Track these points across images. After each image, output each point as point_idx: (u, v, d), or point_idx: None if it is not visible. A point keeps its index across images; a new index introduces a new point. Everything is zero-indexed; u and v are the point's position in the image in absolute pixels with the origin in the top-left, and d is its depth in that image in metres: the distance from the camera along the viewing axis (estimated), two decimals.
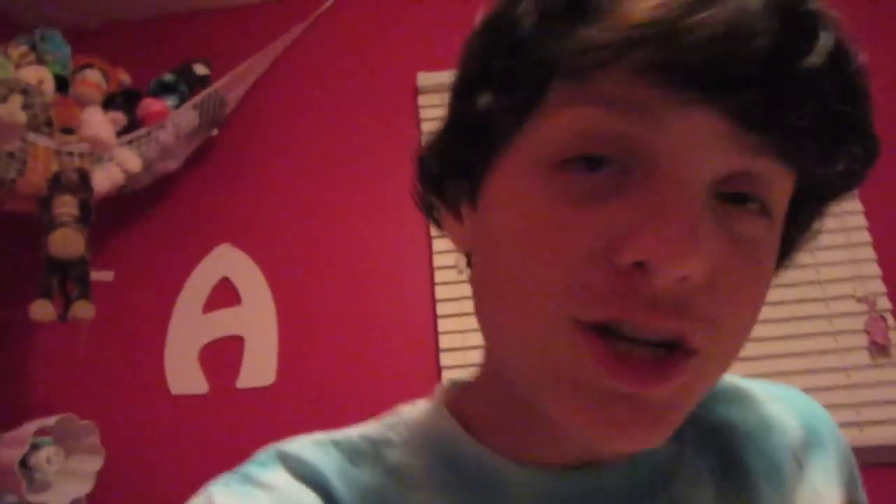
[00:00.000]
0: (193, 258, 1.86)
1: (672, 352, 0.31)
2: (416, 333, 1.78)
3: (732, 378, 0.49)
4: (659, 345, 0.31)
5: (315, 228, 1.88)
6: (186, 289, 1.83)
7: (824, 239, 1.46)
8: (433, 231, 1.84)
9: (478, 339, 1.63)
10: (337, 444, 0.42)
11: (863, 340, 1.71)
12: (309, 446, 0.41)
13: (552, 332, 0.32)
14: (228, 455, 1.71)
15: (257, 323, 1.80)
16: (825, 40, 0.29)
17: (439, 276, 1.80)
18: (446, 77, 1.90)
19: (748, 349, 1.60)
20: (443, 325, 1.76)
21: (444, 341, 1.75)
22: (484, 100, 0.34)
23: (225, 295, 1.83)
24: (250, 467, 0.40)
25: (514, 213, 0.33)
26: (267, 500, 0.37)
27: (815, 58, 0.29)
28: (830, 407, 1.63)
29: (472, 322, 1.72)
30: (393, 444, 0.42)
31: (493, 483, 0.39)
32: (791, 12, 0.29)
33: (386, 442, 0.42)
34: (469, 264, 0.43)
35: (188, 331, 1.80)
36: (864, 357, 1.70)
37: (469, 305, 1.74)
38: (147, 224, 1.90)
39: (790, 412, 0.48)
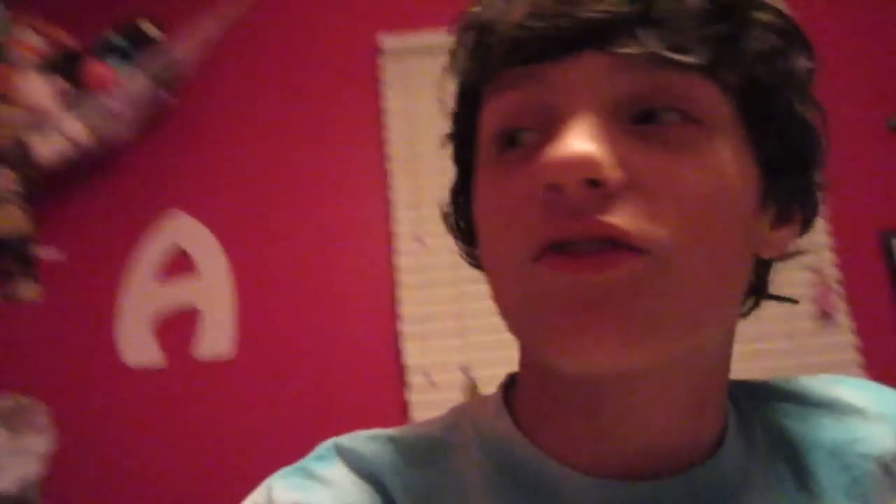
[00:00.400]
0: (145, 226, 1.80)
1: (615, 248, 0.33)
2: (376, 304, 1.77)
3: (829, 386, 0.48)
4: (602, 246, 0.33)
5: (272, 196, 1.84)
6: (138, 258, 1.79)
7: None
8: (393, 197, 1.81)
9: (439, 308, 1.59)
10: (395, 442, 0.42)
11: (810, 308, 1.76)
12: (367, 442, 0.42)
13: (521, 282, 0.35)
14: (188, 428, 1.70)
15: (214, 293, 1.77)
16: None
17: (400, 246, 1.79)
18: (409, 39, 1.89)
19: None
20: (404, 294, 1.76)
21: (405, 312, 1.75)
22: (463, 112, 0.42)
23: (179, 264, 1.79)
24: (310, 462, 0.41)
25: (480, 205, 0.39)
26: (325, 495, 0.38)
27: None
28: (777, 370, 1.63)
29: (434, 293, 1.70)
30: (451, 448, 0.42)
31: (550, 491, 0.39)
32: None
33: (445, 445, 0.42)
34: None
35: (141, 301, 1.76)
36: (810, 324, 1.75)
37: (431, 275, 1.76)
38: (97, 191, 1.84)
39: (887, 422, 0.45)
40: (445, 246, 1.89)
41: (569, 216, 0.33)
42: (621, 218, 0.32)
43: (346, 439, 0.43)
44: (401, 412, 1.70)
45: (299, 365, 1.74)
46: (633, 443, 0.38)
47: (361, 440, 0.42)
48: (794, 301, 0.46)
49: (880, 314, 1.79)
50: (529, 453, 0.40)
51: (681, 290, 0.34)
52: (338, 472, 0.40)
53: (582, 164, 0.32)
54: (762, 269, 0.43)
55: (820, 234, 1.79)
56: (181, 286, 1.78)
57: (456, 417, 0.45)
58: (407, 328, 1.74)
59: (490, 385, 1.50)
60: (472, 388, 1.67)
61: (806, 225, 0.42)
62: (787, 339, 1.74)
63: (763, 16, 0.36)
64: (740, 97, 0.36)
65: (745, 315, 0.44)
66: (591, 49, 0.34)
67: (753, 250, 0.39)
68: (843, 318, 1.78)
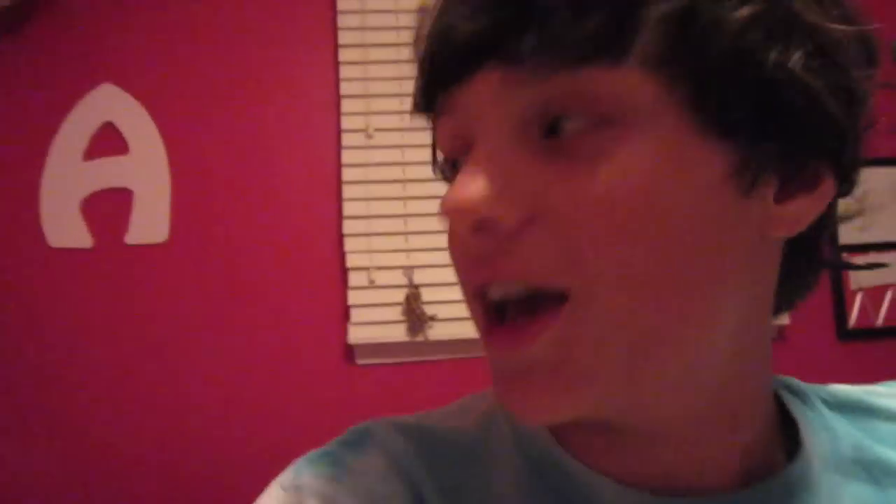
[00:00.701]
0: (71, 99, 1.66)
1: (538, 305, 0.31)
2: (319, 192, 1.71)
3: None
4: (526, 300, 0.31)
5: (214, 77, 1.72)
6: (62, 133, 1.65)
7: None
8: (343, 91, 1.72)
9: (383, 208, 1.52)
10: (429, 437, 0.41)
11: None
12: (400, 434, 0.41)
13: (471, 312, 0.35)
14: (115, 314, 1.65)
15: (147, 174, 1.67)
16: None
17: (346, 140, 1.71)
18: None
19: None
20: (347, 191, 1.70)
21: (347, 208, 1.69)
22: None
23: (109, 142, 1.67)
24: (340, 447, 0.40)
25: None
26: (354, 486, 0.37)
27: None
28: None
29: (377, 188, 1.64)
30: (486, 446, 0.40)
31: (585, 500, 0.37)
32: None
33: (480, 443, 0.41)
34: None
35: (67, 179, 1.65)
36: None
37: (374, 171, 1.70)
38: (14, 58, 1.67)
39: None
40: (393, 142, 1.79)
41: (479, 263, 0.32)
42: (525, 262, 0.31)
43: (378, 427, 0.41)
44: (341, 313, 1.68)
45: (237, 256, 1.68)
46: (662, 456, 0.36)
47: (394, 431, 0.41)
48: (881, 265, 0.41)
49: None
50: (562, 457, 0.38)
51: (616, 330, 0.31)
52: (368, 464, 0.39)
53: (465, 211, 0.30)
54: (804, 241, 0.36)
55: None
56: (112, 165, 1.67)
57: (492, 410, 0.43)
58: (350, 227, 1.69)
59: (433, 291, 1.47)
60: (414, 294, 1.66)
61: (845, 183, 0.35)
62: None
63: None
64: (672, 70, 0.30)
65: (791, 305, 0.39)
66: (483, 67, 0.32)
67: (754, 234, 0.33)
68: None
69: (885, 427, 0.42)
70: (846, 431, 0.41)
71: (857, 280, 1.87)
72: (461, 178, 0.31)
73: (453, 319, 1.67)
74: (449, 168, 0.37)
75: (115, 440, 1.60)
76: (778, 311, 0.39)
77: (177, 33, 1.72)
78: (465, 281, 0.34)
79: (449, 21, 0.32)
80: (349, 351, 1.69)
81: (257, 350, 1.66)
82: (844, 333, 1.86)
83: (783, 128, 0.31)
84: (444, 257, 1.68)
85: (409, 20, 1.74)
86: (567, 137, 0.31)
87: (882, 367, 1.80)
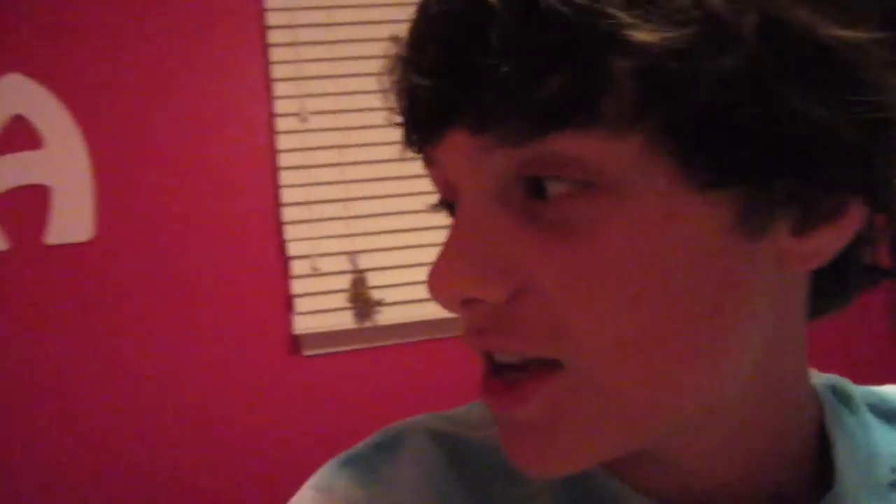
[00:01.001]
0: None
1: (535, 371, 0.30)
2: (254, 180, 1.65)
3: None
4: (524, 365, 0.31)
5: (137, 64, 1.62)
6: None
7: None
8: (274, 74, 1.65)
9: (323, 193, 1.47)
10: (462, 446, 0.40)
11: None
12: (434, 443, 0.40)
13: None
14: (39, 318, 1.55)
15: (65, 169, 1.57)
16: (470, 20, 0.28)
17: (280, 124, 1.65)
18: None
19: (413, 221, 1.60)
20: (284, 177, 1.64)
21: (285, 195, 1.64)
22: None
23: (20, 136, 1.56)
24: (372, 451, 0.40)
25: None
26: (387, 495, 0.37)
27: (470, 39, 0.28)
28: None
29: (317, 173, 1.59)
30: None
31: None
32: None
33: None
34: None
35: None
36: None
37: (312, 156, 1.64)
38: None
39: None
40: (329, 125, 1.73)
41: (474, 333, 0.32)
42: (515, 337, 0.30)
43: (411, 433, 0.40)
44: (284, 304, 1.63)
45: (169, 252, 1.60)
46: (693, 483, 0.35)
47: (429, 440, 0.40)
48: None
49: None
50: (600, 476, 0.37)
51: (610, 397, 0.30)
52: (401, 472, 0.38)
53: (450, 293, 0.30)
54: (832, 266, 0.32)
55: None
56: (25, 161, 1.56)
57: None
58: (289, 214, 1.63)
59: (379, 275, 1.42)
60: (359, 279, 1.62)
61: (878, 207, 0.31)
62: None
63: (637, 34, 0.26)
64: (648, 129, 0.27)
65: (824, 313, 0.37)
66: (450, 130, 0.30)
67: (770, 273, 0.30)
68: None
69: None
70: (891, 447, 0.38)
71: None
72: (443, 256, 0.30)
73: (402, 303, 1.65)
74: (448, 209, 0.36)
75: (44, 448, 1.51)
76: (814, 317, 0.36)
77: (91, 17, 1.61)
78: (464, 337, 0.33)
79: (411, 77, 0.30)
80: (295, 342, 1.64)
81: (198, 348, 1.59)
82: None
83: (789, 169, 0.28)
84: (390, 240, 1.64)
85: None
86: (550, 202, 0.29)
87: None
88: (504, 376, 0.31)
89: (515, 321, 0.30)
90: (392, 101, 0.34)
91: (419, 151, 0.34)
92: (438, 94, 0.29)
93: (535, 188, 0.29)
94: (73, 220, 1.57)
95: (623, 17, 0.25)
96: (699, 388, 0.31)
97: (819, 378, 0.40)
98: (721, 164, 0.27)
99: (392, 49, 0.34)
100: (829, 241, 0.30)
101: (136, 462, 1.55)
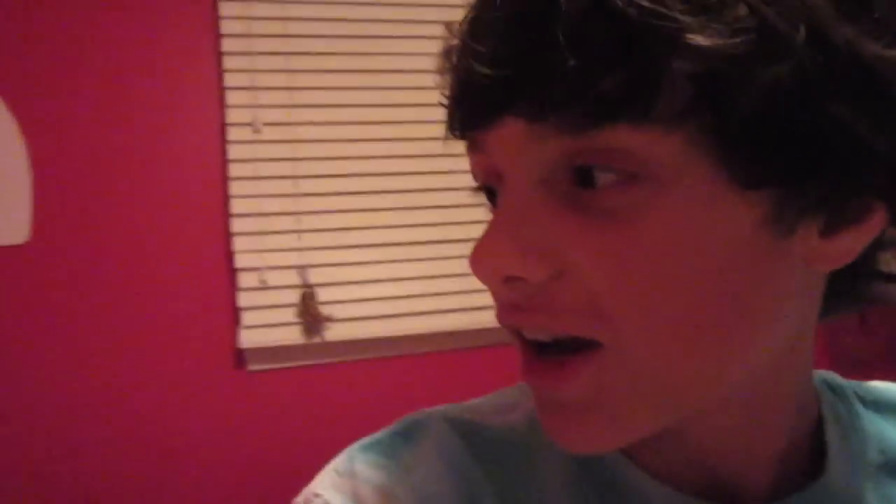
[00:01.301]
0: None
1: (576, 350, 0.32)
2: (203, 189, 1.61)
3: None
4: (560, 344, 0.32)
5: (81, 57, 1.57)
6: None
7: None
8: (227, 83, 1.62)
9: (274, 205, 1.44)
10: (481, 431, 0.41)
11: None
12: (452, 429, 0.41)
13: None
14: None
15: (2, 171, 1.50)
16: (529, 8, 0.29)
17: (232, 134, 1.62)
18: None
19: (366, 236, 1.56)
20: (235, 188, 1.61)
21: (235, 206, 1.60)
22: None
23: None
24: (393, 437, 0.41)
25: None
26: (408, 479, 0.38)
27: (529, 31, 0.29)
28: (448, 295, 1.63)
29: (267, 184, 1.55)
30: (537, 446, 0.40)
31: (635, 501, 0.38)
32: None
33: (529, 440, 0.40)
34: None
35: None
36: None
37: (263, 167, 1.61)
38: None
39: None
40: (282, 136, 1.71)
41: (513, 311, 0.33)
42: (553, 316, 0.31)
43: (430, 420, 0.41)
44: (230, 317, 1.59)
45: (111, 258, 1.55)
46: (708, 463, 0.37)
47: (447, 426, 0.41)
48: None
49: None
50: (617, 460, 0.38)
51: (648, 378, 0.32)
52: (421, 458, 0.39)
53: (493, 269, 0.31)
54: (850, 266, 0.34)
55: None
56: None
57: None
58: (238, 225, 1.60)
59: (330, 290, 1.38)
60: (309, 294, 1.60)
61: None
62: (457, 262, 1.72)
63: (698, 38, 0.27)
64: (697, 128, 0.29)
65: (834, 314, 0.39)
66: (505, 116, 0.31)
67: (797, 269, 0.32)
68: None
69: None
70: (878, 433, 0.41)
71: None
72: (488, 234, 0.31)
73: (352, 319, 1.63)
74: (487, 194, 0.37)
75: None
76: (823, 317, 0.38)
77: (37, 19, 1.55)
78: (501, 316, 0.34)
79: (471, 62, 0.31)
80: (240, 356, 1.60)
81: (139, 360, 1.54)
82: None
83: (824, 173, 0.30)
84: (341, 255, 1.61)
85: (296, 10, 1.68)
86: (596, 190, 0.30)
87: None
88: (543, 357, 0.32)
89: (554, 301, 0.31)
90: (444, 85, 0.36)
91: (462, 137, 0.35)
92: (500, 80, 0.30)
93: (583, 177, 0.30)
94: (7, 222, 1.51)
95: (685, 21, 0.27)
96: (726, 373, 0.33)
97: (814, 372, 0.42)
98: (761, 165, 0.29)
99: (447, 35, 0.35)
100: (853, 243, 0.32)
101: (67, 480, 1.48)
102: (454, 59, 0.34)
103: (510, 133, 0.31)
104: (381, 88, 1.71)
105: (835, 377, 0.45)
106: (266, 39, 1.66)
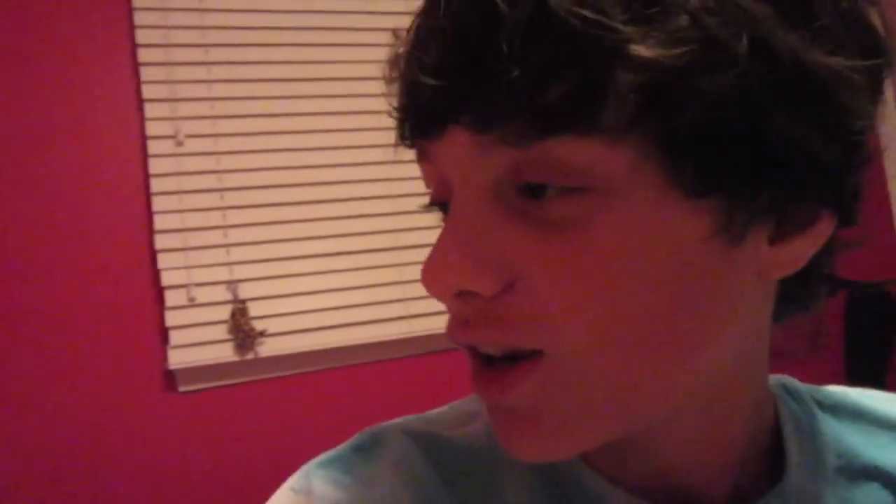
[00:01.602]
0: None
1: (518, 360, 0.32)
2: (124, 205, 1.54)
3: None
4: (509, 356, 0.32)
5: None
6: None
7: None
8: (146, 94, 1.57)
9: (200, 219, 1.39)
10: (440, 442, 0.41)
11: (416, 239, 1.72)
12: (411, 441, 0.40)
13: None
14: None
15: None
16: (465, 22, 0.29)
17: (153, 147, 1.57)
18: None
19: (296, 248, 1.54)
20: (158, 203, 1.55)
21: (159, 222, 1.55)
22: None
23: None
24: (350, 452, 0.40)
25: None
26: (365, 494, 0.37)
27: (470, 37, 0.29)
28: (385, 304, 1.63)
29: (192, 198, 1.50)
30: (497, 454, 0.39)
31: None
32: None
33: (489, 448, 0.40)
34: None
35: None
36: (416, 255, 1.69)
37: (188, 181, 1.56)
38: None
39: None
40: (206, 148, 1.66)
41: (461, 326, 0.33)
42: (503, 329, 0.31)
43: (388, 433, 0.41)
44: (158, 336, 1.53)
45: (30, 282, 1.46)
46: (667, 471, 0.37)
47: (405, 439, 0.41)
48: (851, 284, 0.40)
49: None
50: (577, 467, 0.38)
51: (596, 386, 0.31)
52: (380, 472, 0.38)
53: (444, 283, 0.31)
54: (800, 272, 0.34)
55: None
56: None
57: None
58: (163, 241, 1.55)
59: (262, 305, 1.36)
60: (240, 309, 1.55)
61: (845, 219, 0.33)
62: (395, 270, 1.71)
63: (640, 49, 0.27)
64: (643, 139, 0.29)
65: (787, 317, 0.39)
66: (451, 128, 0.31)
67: (748, 277, 0.33)
68: None
69: (878, 432, 0.43)
70: (835, 436, 0.42)
71: None
72: (438, 248, 0.31)
73: (285, 333, 1.59)
74: (439, 208, 0.36)
75: None
76: (777, 321, 0.39)
77: None
78: (450, 330, 0.34)
79: (415, 74, 0.31)
80: (170, 377, 1.54)
81: (62, 385, 1.46)
82: None
83: (770, 181, 0.30)
84: (272, 268, 1.57)
85: (215, 19, 1.64)
86: (545, 202, 0.30)
87: None
88: (492, 367, 0.32)
89: (502, 314, 0.31)
90: (392, 93, 0.35)
91: (412, 146, 0.34)
92: (443, 91, 0.30)
93: (531, 188, 0.30)
94: None
95: (628, 32, 0.27)
96: (676, 382, 0.33)
97: (771, 377, 0.42)
98: (707, 175, 0.29)
99: (394, 43, 0.35)
100: (802, 249, 0.33)
101: None
102: (400, 67, 0.33)
103: (456, 144, 0.31)
104: (310, 97, 1.69)
105: (792, 381, 0.45)
106: (185, 49, 1.61)
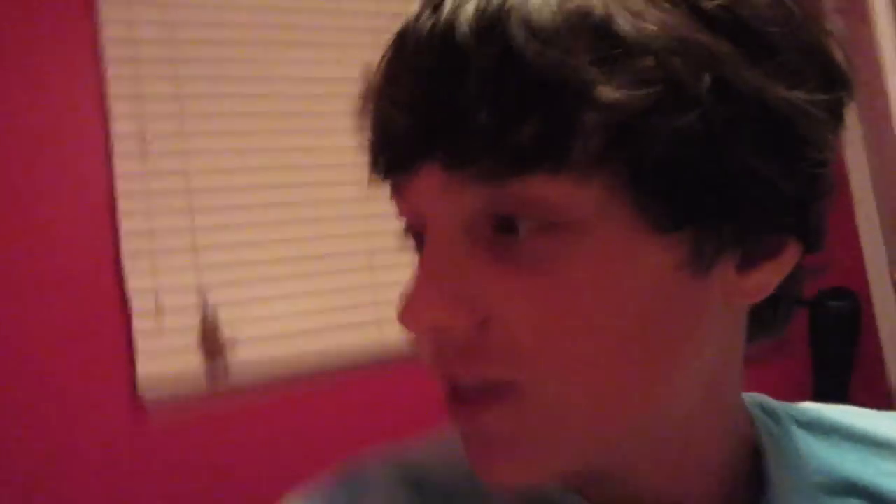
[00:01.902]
0: None
1: (492, 389, 0.32)
2: (87, 207, 1.48)
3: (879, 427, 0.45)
4: (484, 387, 0.32)
5: None
6: None
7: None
8: (111, 89, 1.51)
9: (167, 222, 1.33)
10: (423, 473, 0.40)
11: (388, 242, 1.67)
12: (395, 473, 0.40)
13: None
14: None
15: None
16: (438, 62, 0.30)
17: (119, 147, 1.50)
18: None
19: (267, 251, 1.47)
20: (125, 206, 1.49)
21: (127, 227, 1.49)
22: None
23: None
24: (336, 487, 0.40)
25: None
26: None
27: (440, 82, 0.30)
28: (353, 308, 1.59)
29: (159, 201, 1.42)
30: (484, 492, 0.38)
31: None
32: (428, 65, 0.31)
33: (471, 477, 0.38)
34: None
35: None
36: (388, 258, 1.64)
37: (155, 182, 1.51)
38: None
39: None
40: (173, 148, 1.60)
41: (435, 360, 0.33)
42: (477, 365, 0.32)
43: (373, 469, 0.41)
44: (124, 344, 1.47)
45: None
46: (647, 497, 0.38)
47: (390, 471, 0.41)
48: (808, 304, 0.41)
49: None
50: (567, 498, 0.38)
51: (566, 414, 0.32)
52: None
53: (420, 322, 0.32)
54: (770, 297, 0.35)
55: None
56: None
57: None
58: (129, 245, 1.49)
59: (231, 310, 1.32)
60: (209, 316, 1.50)
61: (810, 246, 0.35)
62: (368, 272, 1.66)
63: (606, 90, 0.28)
64: (611, 176, 0.29)
65: (759, 339, 0.40)
66: (423, 164, 0.32)
67: (717, 305, 0.33)
68: None
69: (855, 447, 0.43)
70: (813, 453, 0.42)
71: None
72: (415, 287, 0.32)
73: (257, 339, 1.55)
74: (414, 237, 0.37)
75: None
76: (750, 344, 0.40)
77: None
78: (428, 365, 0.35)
79: (387, 108, 0.32)
80: (136, 386, 1.48)
81: (21, 400, 1.40)
82: None
83: (736, 214, 0.31)
84: (244, 272, 1.51)
85: (182, 14, 1.58)
86: (518, 238, 0.31)
87: None
88: (464, 398, 0.33)
89: (478, 347, 0.32)
90: (364, 126, 0.35)
91: (385, 180, 0.35)
92: (414, 129, 0.31)
93: (504, 225, 0.31)
94: None
95: (593, 74, 0.28)
96: (649, 408, 0.33)
97: (746, 396, 0.43)
98: (675, 210, 0.30)
99: (366, 76, 0.35)
100: (769, 277, 0.34)
101: None
102: (373, 100, 0.34)
103: (429, 181, 0.32)
104: (280, 96, 1.65)
105: (767, 400, 0.46)
106: (150, 45, 1.55)
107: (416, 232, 0.36)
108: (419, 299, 0.32)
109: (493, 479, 0.34)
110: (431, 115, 0.30)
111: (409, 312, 0.32)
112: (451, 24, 0.29)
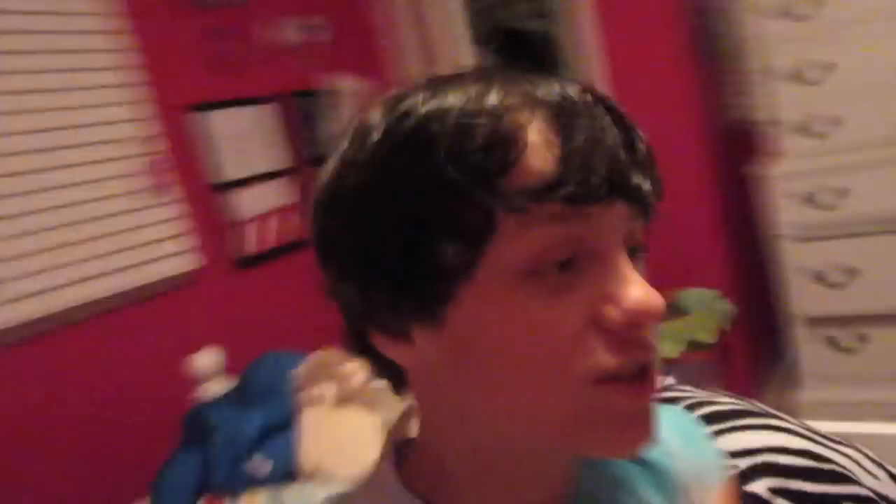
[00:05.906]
0: None
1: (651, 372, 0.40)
2: None
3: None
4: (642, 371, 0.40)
5: None
6: None
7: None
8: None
9: None
10: None
11: (145, 181, 1.83)
12: None
13: (582, 396, 0.38)
14: None
15: None
16: (639, 139, 0.41)
17: None
18: None
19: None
20: None
21: None
22: (431, 248, 0.38)
23: None
24: None
25: (510, 325, 0.38)
26: None
27: (641, 151, 0.41)
28: (118, 254, 1.79)
29: None
30: None
31: None
32: (621, 124, 0.41)
33: None
34: (401, 377, 0.46)
35: None
36: (147, 198, 1.80)
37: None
38: None
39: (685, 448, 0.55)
40: None
41: (640, 348, 0.39)
42: (655, 350, 0.40)
43: None
44: None
45: None
46: (527, 497, 0.45)
47: None
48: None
49: (199, 183, 2.00)
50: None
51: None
52: None
53: (662, 313, 0.39)
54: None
55: (133, 109, 1.83)
56: None
57: (356, 486, 0.49)
58: None
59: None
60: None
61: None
62: (129, 215, 1.79)
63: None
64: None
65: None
66: (619, 197, 0.39)
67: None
68: (174, 188, 1.91)
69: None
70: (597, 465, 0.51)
71: (242, 212, 2.06)
72: (643, 285, 0.39)
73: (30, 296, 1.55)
74: (553, 266, 0.38)
75: None
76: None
77: None
78: (593, 363, 0.38)
79: (593, 160, 0.37)
80: None
81: None
82: (243, 262, 2.05)
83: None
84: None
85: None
86: (634, 260, 0.41)
87: (276, 284, 2.13)
88: (650, 377, 0.40)
89: (653, 338, 0.40)
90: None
91: (571, 211, 0.37)
92: (629, 176, 0.39)
93: (631, 250, 0.41)
94: None
95: None
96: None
97: None
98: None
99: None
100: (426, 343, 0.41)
101: None
102: (580, 139, 0.38)
103: (618, 212, 0.39)
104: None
105: None
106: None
107: (564, 259, 0.38)
108: (658, 297, 0.38)
109: (637, 450, 0.40)
110: (633, 162, 0.39)
111: (658, 309, 0.38)
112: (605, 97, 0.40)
